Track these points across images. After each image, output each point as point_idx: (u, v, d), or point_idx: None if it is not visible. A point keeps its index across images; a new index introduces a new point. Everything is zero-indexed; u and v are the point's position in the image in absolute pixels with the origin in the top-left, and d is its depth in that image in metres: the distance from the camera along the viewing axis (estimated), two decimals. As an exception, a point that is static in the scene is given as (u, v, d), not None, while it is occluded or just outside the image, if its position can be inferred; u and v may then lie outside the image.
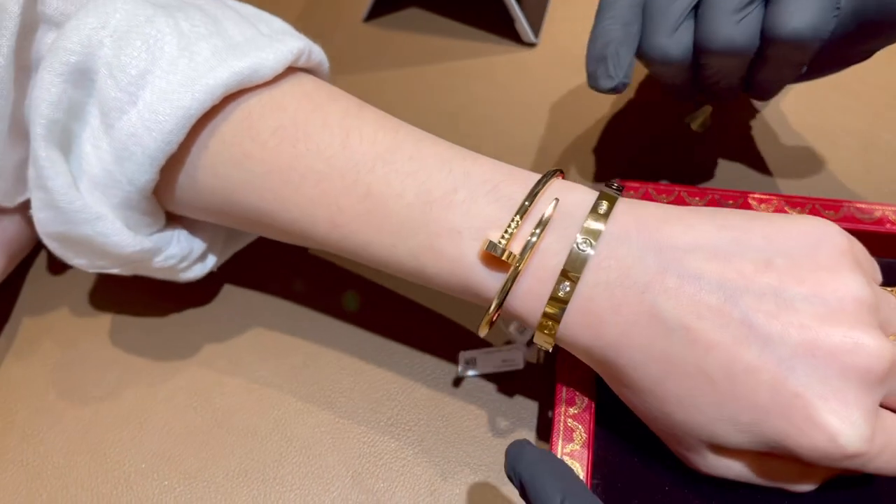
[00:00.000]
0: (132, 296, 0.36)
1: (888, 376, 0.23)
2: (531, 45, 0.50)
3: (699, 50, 0.30)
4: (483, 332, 0.26)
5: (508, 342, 0.34)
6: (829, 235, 0.24)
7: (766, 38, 0.29)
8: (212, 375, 0.34)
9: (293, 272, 0.37)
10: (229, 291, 0.37)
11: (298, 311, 0.36)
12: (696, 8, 0.30)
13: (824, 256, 0.24)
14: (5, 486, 0.31)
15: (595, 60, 0.30)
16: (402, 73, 0.49)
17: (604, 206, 0.25)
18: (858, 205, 0.34)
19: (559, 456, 0.27)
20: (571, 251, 0.24)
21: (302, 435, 0.32)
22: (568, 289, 0.24)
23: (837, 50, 0.30)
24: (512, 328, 0.33)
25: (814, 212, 0.34)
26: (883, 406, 0.24)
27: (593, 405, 0.29)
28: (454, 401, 0.33)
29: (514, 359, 0.33)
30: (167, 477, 0.31)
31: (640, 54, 0.31)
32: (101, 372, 0.34)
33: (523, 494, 0.23)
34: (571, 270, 0.24)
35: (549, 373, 0.33)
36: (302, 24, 0.52)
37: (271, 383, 0.34)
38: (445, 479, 0.30)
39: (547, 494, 0.22)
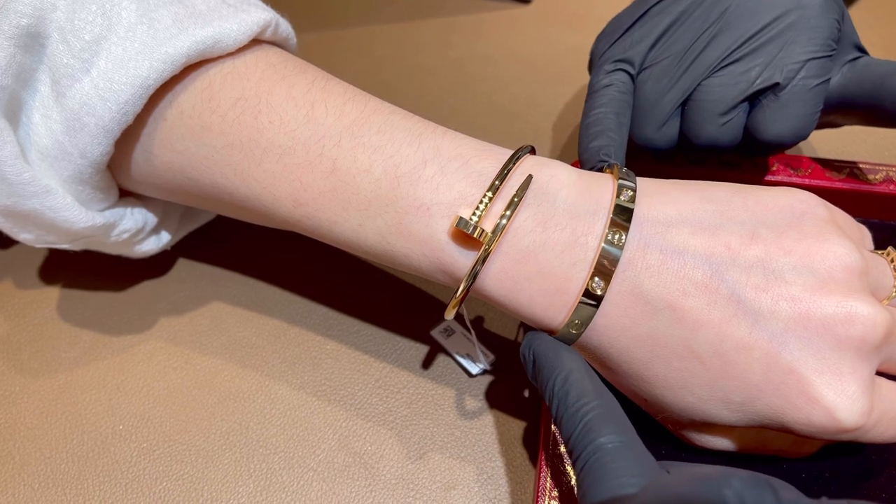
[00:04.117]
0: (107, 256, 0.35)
1: (884, 344, 0.22)
2: (525, 1, 0.48)
3: (685, 137, 0.31)
4: (450, 315, 0.25)
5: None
6: (811, 206, 0.24)
7: (750, 136, 0.30)
8: (193, 336, 0.33)
9: (281, 235, 0.36)
10: (213, 251, 0.36)
11: (283, 271, 0.35)
12: (683, 104, 0.30)
13: (809, 226, 0.23)
14: (-24, 448, 0.30)
15: (590, 149, 0.29)
16: (396, 28, 0.47)
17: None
18: (861, 165, 0.34)
19: (553, 426, 0.27)
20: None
21: (286, 396, 0.31)
22: None
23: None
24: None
25: (816, 172, 0.34)
26: (879, 373, 0.23)
27: None
28: (444, 363, 0.32)
29: (478, 364, 0.31)
30: (146, 439, 0.30)
31: (629, 138, 0.32)
32: (76, 333, 0.33)
33: (532, 373, 0.24)
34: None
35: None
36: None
37: (255, 344, 0.33)
38: (435, 442, 0.29)
39: (554, 367, 0.23)
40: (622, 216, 0.23)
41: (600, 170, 0.28)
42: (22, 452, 0.29)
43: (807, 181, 0.33)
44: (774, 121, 0.29)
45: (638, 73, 0.31)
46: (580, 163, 0.29)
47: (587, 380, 0.22)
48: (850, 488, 0.26)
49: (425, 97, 0.44)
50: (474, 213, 0.23)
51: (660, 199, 0.24)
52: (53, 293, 0.35)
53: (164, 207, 0.32)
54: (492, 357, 0.32)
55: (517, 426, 0.30)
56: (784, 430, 0.23)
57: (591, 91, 0.31)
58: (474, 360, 0.31)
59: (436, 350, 0.32)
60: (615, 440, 0.20)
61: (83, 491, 0.28)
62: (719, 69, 0.29)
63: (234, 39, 0.26)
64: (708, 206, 0.23)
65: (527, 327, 0.33)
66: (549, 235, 0.23)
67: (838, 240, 0.22)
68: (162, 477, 0.29)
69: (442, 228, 0.24)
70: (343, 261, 0.35)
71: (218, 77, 0.26)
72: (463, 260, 0.24)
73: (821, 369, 0.21)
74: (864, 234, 0.26)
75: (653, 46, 0.31)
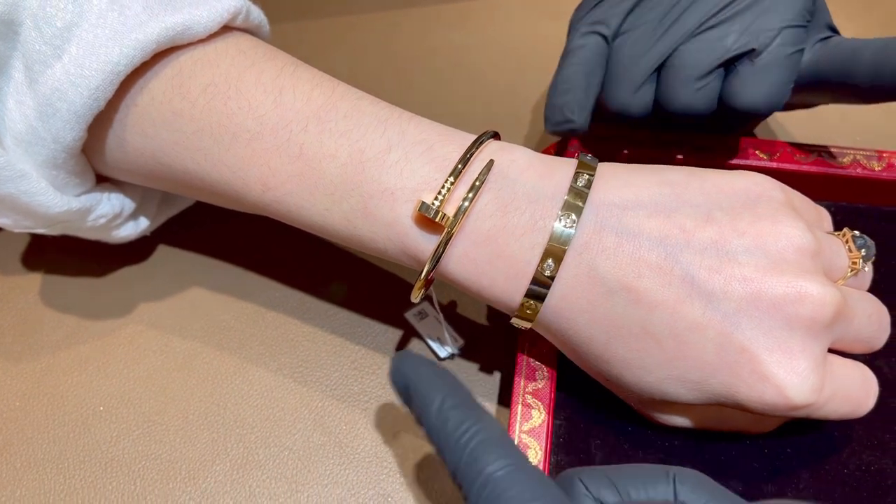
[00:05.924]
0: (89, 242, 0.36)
1: (834, 322, 0.23)
2: (506, -12, 0.48)
3: (659, 105, 0.31)
4: (415, 297, 0.25)
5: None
6: (766, 189, 0.24)
7: (724, 104, 0.30)
8: (173, 319, 0.33)
9: (258, 220, 0.37)
10: (192, 236, 0.36)
11: (261, 256, 0.36)
12: (658, 69, 0.30)
13: (763, 208, 0.23)
14: (-41, 430, 0.30)
15: (554, 106, 0.29)
16: (375, 17, 0.47)
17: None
18: (830, 149, 0.34)
19: (521, 391, 0.27)
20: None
21: (264, 378, 0.31)
22: None
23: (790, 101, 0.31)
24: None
25: (786, 156, 0.34)
26: (832, 351, 0.24)
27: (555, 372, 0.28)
28: (418, 346, 0.32)
29: (447, 348, 0.32)
30: (125, 420, 0.30)
31: (601, 104, 0.31)
32: (58, 317, 0.34)
33: (406, 399, 0.23)
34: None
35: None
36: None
37: (233, 327, 0.33)
38: (408, 422, 0.30)
39: (426, 397, 0.22)
40: (578, 200, 0.23)
41: (569, 131, 0.29)
42: (4, 434, 0.30)
43: (775, 165, 0.34)
44: (749, 87, 0.29)
45: (614, 38, 0.31)
46: (545, 119, 0.30)
47: (463, 405, 0.21)
48: (811, 463, 0.27)
49: (406, 85, 0.44)
50: (437, 198, 0.23)
51: (616, 182, 0.24)
52: (35, 278, 0.35)
53: (143, 193, 0.33)
54: (461, 342, 0.32)
55: (488, 407, 0.30)
56: (739, 408, 0.23)
57: (564, 52, 0.31)
58: (443, 344, 0.32)
59: (410, 333, 0.33)
60: (503, 465, 0.19)
61: (64, 470, 0.29)
62: (696, 35, 0.29)
63: (205, 26, 0.26)
64: (664, 189, 0.24)
65: (490, 312, 0.33)
66: (509, 219, 0.24)
67: (791, 221, 0.23)
68: (141, 456, 0.29)
69: (406, 213, 0.24)
70: (321, 245, 0.36)
71: (188, 63, 0.26)
72: (426, 244, 0.24)
73: (772, 348, 0.22)
74: (823, 216, 0.27)
75: (630, 12, 0.31)
